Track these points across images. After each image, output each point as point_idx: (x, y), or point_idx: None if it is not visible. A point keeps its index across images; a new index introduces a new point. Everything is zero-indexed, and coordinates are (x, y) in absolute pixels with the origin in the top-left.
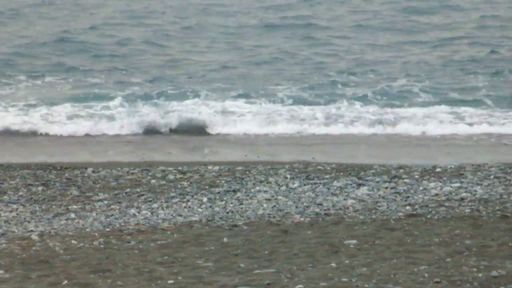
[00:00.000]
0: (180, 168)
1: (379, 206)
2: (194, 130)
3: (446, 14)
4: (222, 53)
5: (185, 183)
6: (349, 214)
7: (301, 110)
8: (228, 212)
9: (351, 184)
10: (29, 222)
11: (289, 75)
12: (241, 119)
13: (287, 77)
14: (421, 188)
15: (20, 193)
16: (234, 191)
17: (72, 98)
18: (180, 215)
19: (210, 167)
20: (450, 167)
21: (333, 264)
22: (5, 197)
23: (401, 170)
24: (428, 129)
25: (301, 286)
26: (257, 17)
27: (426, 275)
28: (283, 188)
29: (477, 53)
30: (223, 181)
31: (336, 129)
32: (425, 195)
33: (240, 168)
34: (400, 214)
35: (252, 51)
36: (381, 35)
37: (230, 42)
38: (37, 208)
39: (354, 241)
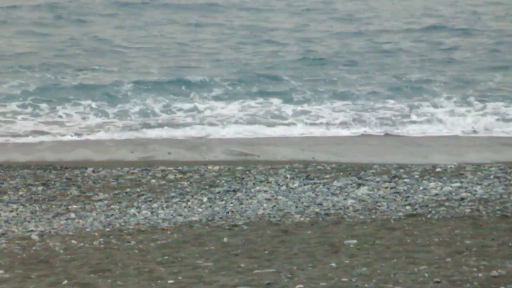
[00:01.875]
0: (180, 168)
1: (379, 206)
2: None
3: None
4: None
5: (185, 183)
6: (349, 214)
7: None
8: (228, 212)
9: (351, 184)
10: (29, 222)
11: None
12: None
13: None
14: (421, 188)
15: (20, 193)
16: (234, 191)
17: None
18: (180, 215)
19: (210, 167)
20: (450, 167)
21: (333, 264)
22: (5, 197)
23: (401, 170)
24: (428, 129)
25: (301, 286)
26: None
27: (426, 275)
28: (283, 188)
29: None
30: (223, 181)
31: (336, 130)
32: (425, 195)
33: (240, 168)
34: (400, 214)
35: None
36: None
37: None
38: (37, 208)
39: (354, 241)
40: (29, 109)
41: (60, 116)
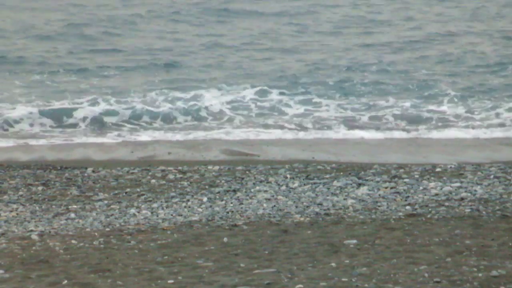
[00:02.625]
0: (180, 168)
1: (379, 206)
2: None
3: None
4: None
5: (185, 183)
6: (349, 214)
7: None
8: (228, 212)
9: (351, 184)
10: (29, 222)
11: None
12: None
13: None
14: (421, 188)
15: (20, 193)
16: (234, 191)
17: None
18: (180, 215)
19: (210, 167)
20: (450, 167)
21: (333, 264)
22: (5, 197)
23: (401, 170)
24: (428, 129)
25: (301, 286)
26: None
27: (426, 275)
28: (283, 188)
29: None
30: (223, 181)
31: (336, 131)
32: (425, 195)
33: (240, 168)
34: (400, 214)
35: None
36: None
37: None
38: (37, 208)
39: (354, 241)
40: (31, 109)
41: (61, 114)
